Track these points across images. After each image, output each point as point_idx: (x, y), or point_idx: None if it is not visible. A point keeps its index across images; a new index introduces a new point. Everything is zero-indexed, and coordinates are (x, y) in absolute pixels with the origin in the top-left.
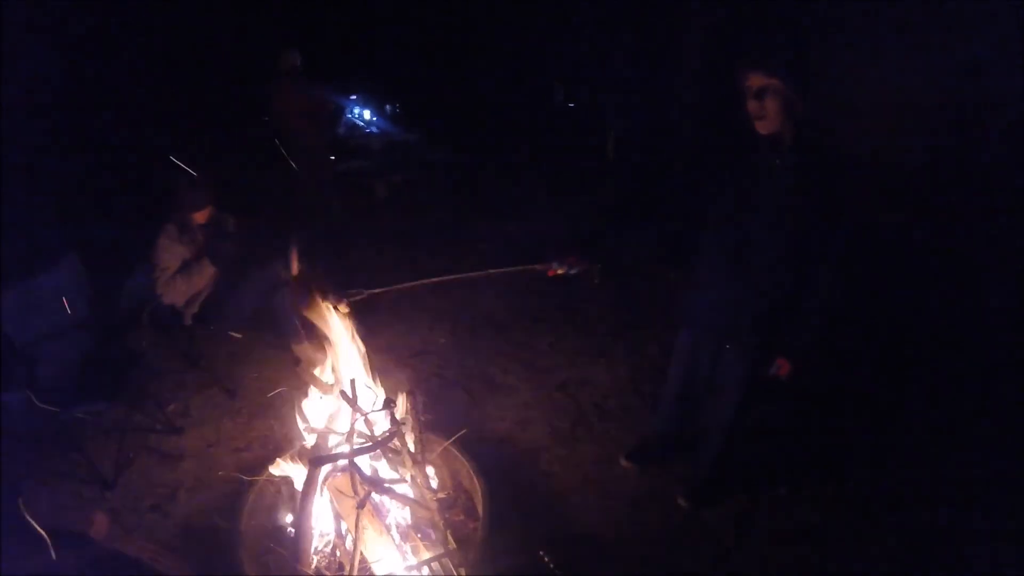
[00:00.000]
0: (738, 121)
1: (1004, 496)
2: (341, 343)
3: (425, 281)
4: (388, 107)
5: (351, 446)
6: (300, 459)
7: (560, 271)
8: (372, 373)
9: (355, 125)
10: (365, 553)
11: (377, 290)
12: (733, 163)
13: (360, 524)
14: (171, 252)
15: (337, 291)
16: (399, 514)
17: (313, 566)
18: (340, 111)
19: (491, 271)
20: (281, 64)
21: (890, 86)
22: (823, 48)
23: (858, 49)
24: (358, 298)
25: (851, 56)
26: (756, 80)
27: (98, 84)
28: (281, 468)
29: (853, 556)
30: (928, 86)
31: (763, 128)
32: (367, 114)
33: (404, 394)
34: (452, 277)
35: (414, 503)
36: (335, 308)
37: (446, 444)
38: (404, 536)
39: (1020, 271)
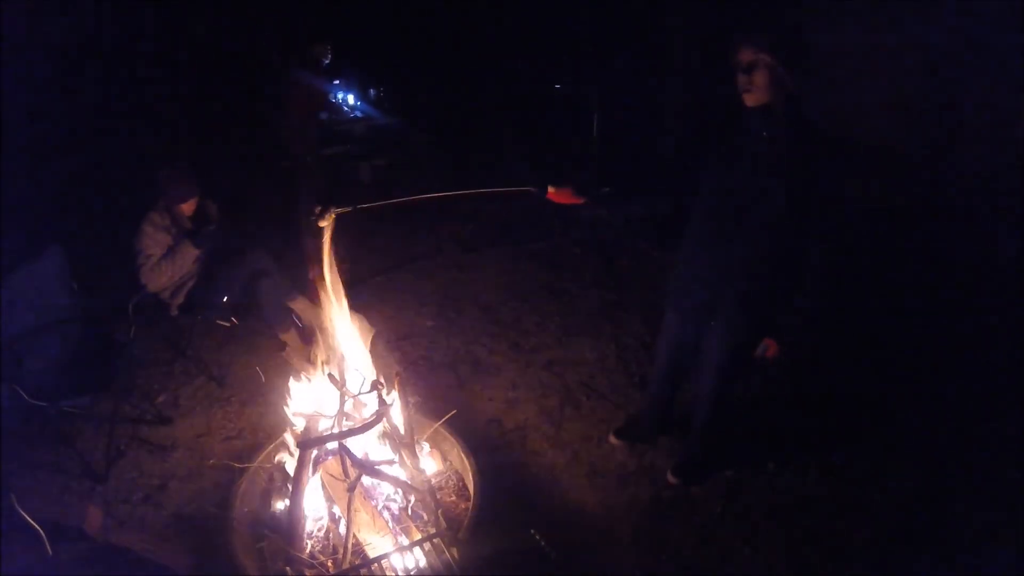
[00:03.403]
0: (726, 96)
1: (994, 469)
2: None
3: (413, 198)
4: (371, 91)
5: (340, 428)
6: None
7: (558, 195)
8: (368, 354)
9: (338, 110)
10: (358, 536)
11: (365, 205)
12: (721, 137)
13: (352, 507)
14: (155, 239)
15: (322, 206)
16: (391, 496)
17: (307, 551)
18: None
19: (483, 191)
20: (310, 54)
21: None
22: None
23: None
24: (343, 211)
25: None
26: (745, 54)
27: (83, 80)
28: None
29: (840, 529)
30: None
31: (750, 100)
32: (350, 99)
33: (393, 375)
34: (442, 195)
35: (405, 485)
36: (318, 223)
37: (436, 425)
38: (396, 518)
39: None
